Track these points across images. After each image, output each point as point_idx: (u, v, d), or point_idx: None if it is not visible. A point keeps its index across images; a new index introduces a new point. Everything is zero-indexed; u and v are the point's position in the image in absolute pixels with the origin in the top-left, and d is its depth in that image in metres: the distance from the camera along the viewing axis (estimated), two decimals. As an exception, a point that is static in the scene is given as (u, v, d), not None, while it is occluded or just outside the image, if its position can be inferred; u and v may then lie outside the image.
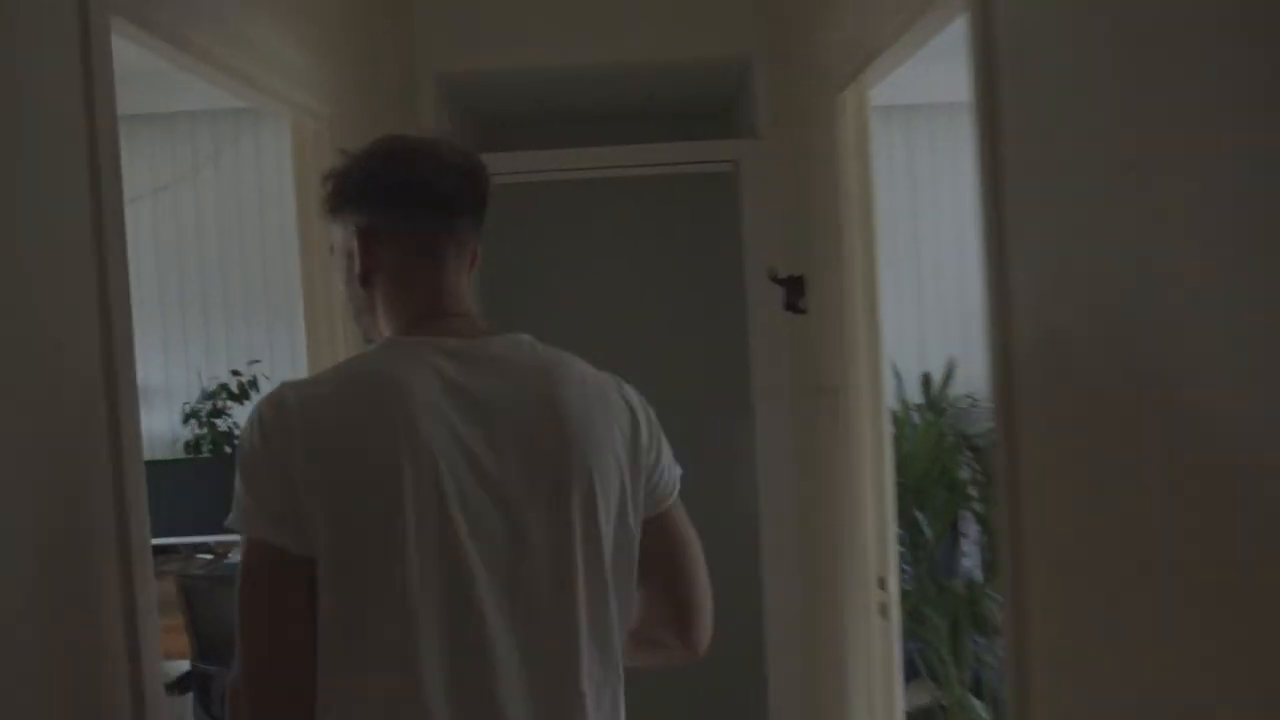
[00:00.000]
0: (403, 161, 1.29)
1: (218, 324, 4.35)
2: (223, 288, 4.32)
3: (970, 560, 3.66)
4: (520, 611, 1.18)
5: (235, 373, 4.13)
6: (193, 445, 4.07)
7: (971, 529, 3.63)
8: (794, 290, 2.74)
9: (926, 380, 3.84)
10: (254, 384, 4.09)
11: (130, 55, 1.43)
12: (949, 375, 3.82)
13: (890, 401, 2.41)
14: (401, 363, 1.20)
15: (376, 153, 1.30)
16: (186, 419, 4.09)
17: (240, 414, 4.14)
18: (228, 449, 4.02)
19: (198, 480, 3.89)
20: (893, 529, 2.20)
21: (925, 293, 4.28)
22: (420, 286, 1.28)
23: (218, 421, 4.09)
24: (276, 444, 1.14)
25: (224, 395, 4.08)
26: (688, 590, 1.36)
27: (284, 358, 4.15)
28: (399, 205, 1.27)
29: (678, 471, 1.37)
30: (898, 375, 3.58)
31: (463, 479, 1.16)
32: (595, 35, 3.01)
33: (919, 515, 3.29)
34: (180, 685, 3.23)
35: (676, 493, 1.36)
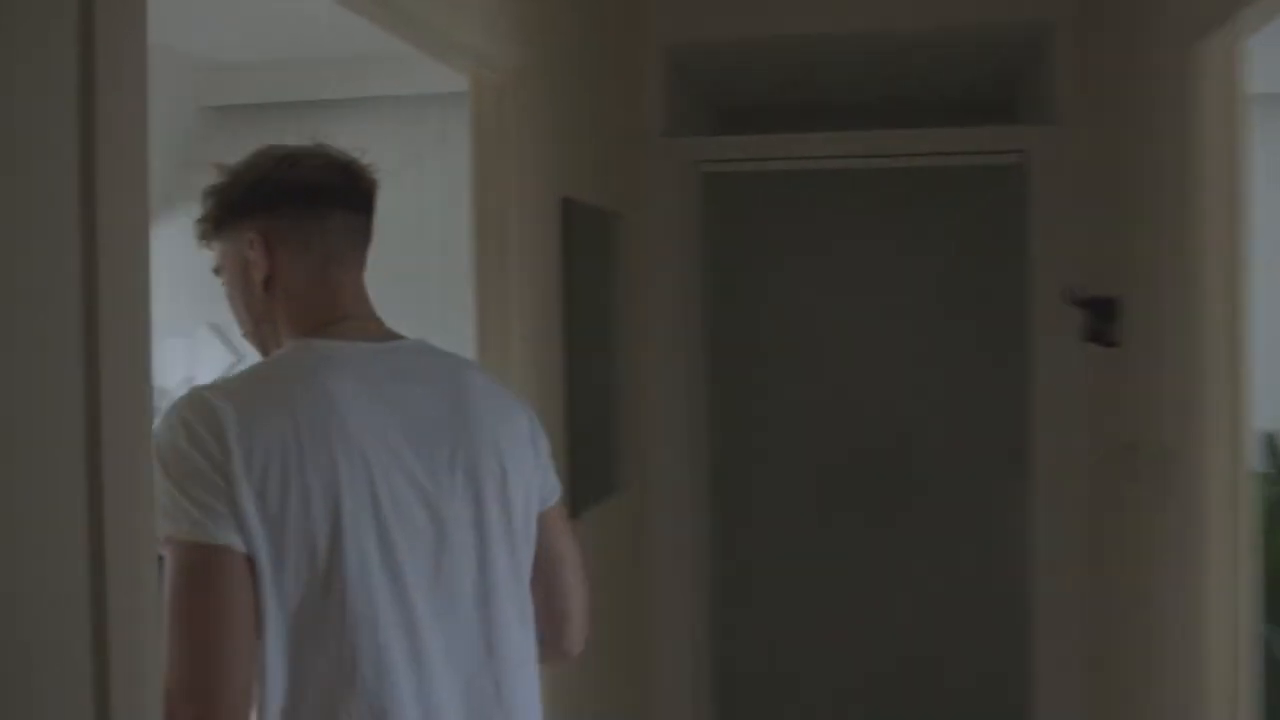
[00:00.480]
0: (291, 163, 1.27)
1: (432, 316, 4.15)
2: (441, 277, 4.12)
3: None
4: (444, 602, 1.22)
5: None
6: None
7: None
8: (1101, 315, 2.11)
9: (1270, 442, 2.99)
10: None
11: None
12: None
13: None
14: (323, 364, 1.20)
15: (260, 161, 1.29)
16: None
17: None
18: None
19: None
20: (1253, 650, 1.56)
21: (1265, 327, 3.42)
22: (325, 288, 1.27)
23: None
24: (207, 444, 1.09)
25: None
26: (567, 588, 1.40)
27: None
28: (295, 203, 1.26)
29: (557, 482, 1.42)
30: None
31: (392, 478, 1.18)
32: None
33: (1268, 629, 2.49)
34: None
35: (560, 494, 1.42)
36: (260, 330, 1.29)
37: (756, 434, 3.37)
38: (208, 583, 1.07)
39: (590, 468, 2.51)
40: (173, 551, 1.06)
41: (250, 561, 1.08)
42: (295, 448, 1.11)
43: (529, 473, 1.33)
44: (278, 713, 1.10)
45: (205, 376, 4.52)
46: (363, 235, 1.32)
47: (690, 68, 2.89)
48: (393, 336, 1.30)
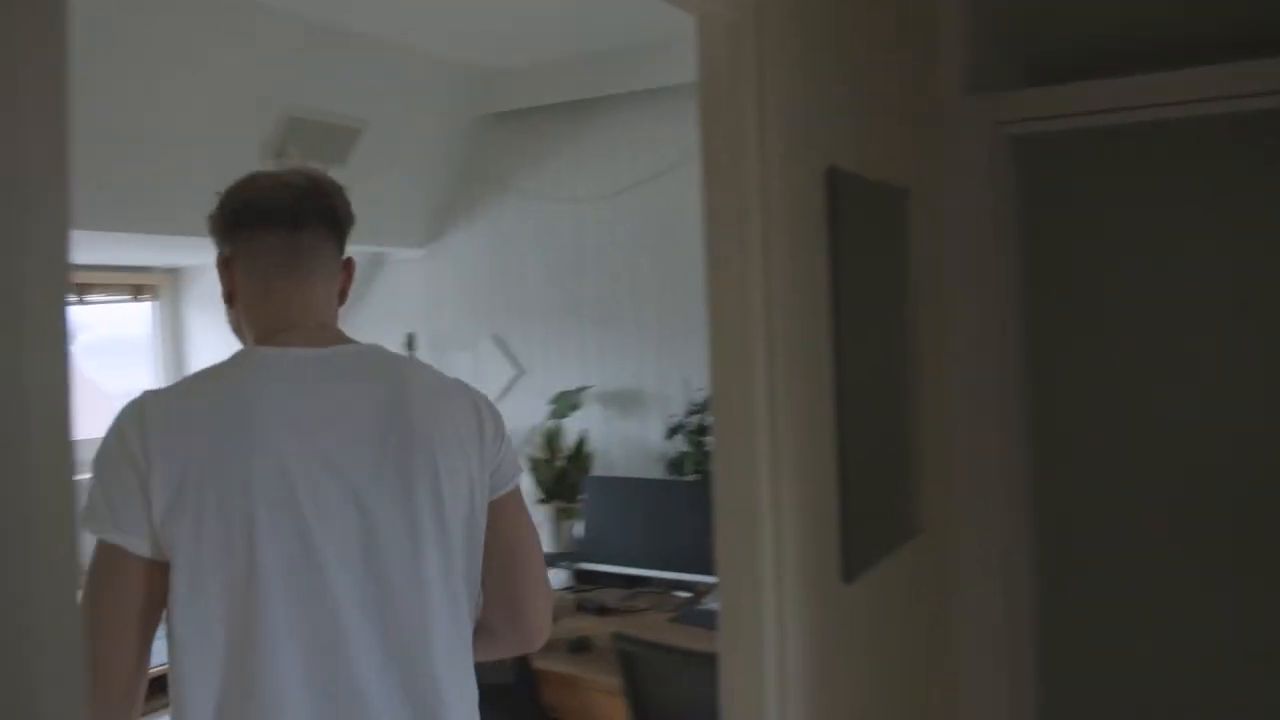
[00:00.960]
0: (243, 187, 1.43)
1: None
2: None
3: None
4: (373, 596, 1.30)
5: (727, 384, 3.56)
6: (676, 464, 3.57)
7: None
8: None
9: None
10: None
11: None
12: None
13: None
14: (251, 371, 1.35)
15: (230, 188, 1.44)
16: (671, 433, 3.60)
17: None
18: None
19: (683, 506, 3.38)
20: None
21: None
22: (273, 301, 1.41)
23: (706, 440, 3.54)
24: (133, 447, 1.23)
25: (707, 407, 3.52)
26: (520, 575, 1.46)
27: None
28: (243, 225, 1.41)
29: (520, 471, 1.51)
30: None
31: (314, 475, 1.28)
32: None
33: None
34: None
35: (515, 485, 1.49)
36: (239, 335, 1.47)
37: (1090, 457, 2.74)
38: (106, 578, 1.23)
39: (873, 514, 2.05)
40: (95, 545, 1.23)
41: (154, 560, 1.22)
42: (213, 457, 1.24)
43: (469, 467, 1.39)
44: (186, 696, 1.23)
45: (489, 390, 4.50)
46: (312, 250, 1.43)
47: (995, 8, 2.35)
48: (339, 342, 1.42)
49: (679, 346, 3.82)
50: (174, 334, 5.06)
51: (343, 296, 1.54)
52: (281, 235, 1.40)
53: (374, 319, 4.65)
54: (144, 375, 4.98)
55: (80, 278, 4.54)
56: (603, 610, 3.24)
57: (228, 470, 1.24)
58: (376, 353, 1.44)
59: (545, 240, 4.10)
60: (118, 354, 5.15)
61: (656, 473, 3.85)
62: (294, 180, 1.44)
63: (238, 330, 1.47)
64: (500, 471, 1.46)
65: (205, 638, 1.23)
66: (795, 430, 1.63)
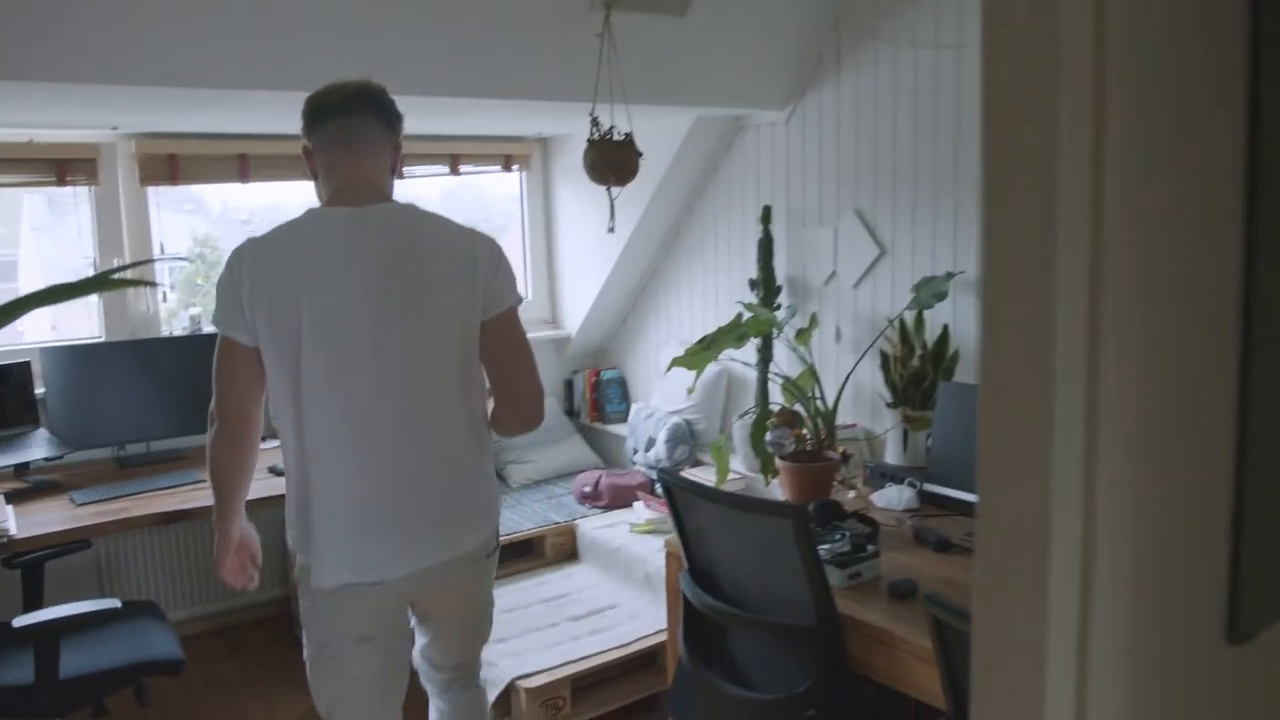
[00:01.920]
0: (314, 94, 2.03)
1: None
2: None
3: None
4: (389, 387, 1.95)
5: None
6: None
7: None
8: None
9: None
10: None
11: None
12: None
13: None
14: (309, 223, 1.98)
15: (308, 95, 2.04)
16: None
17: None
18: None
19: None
20: None
21: None
22: (334, 172, 2.02)
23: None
24: (236, 276, 1.92)
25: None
26: (511, 369, 2.07)
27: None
28: (313, 120, 2.02)
29: (517, 297, 2.08)
30: None
31: (346, 297, 1.92)
32: None
33: None
34: None
35: (508, 308, 2.05)
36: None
37: None
38: (226, 357, 1.96)
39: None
40: (219, 337, 1.96)
41: (252, 349, 1.94)
42: (278, 284, 1.91)
43: (461, 294, 2.00)
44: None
45: (848, 273, 3.97)
46: (360, 131, 2.01)
47: None
48: (379, 201, 2.03)
49: (1074, 227, 3.03)
50: (544, 201, 5.05)
51: (394, 171, 2.11)
52: (338, 122, 2.01)
53: (730, 189, 4.26)
54: (515, 239, 5.04)
55: (455, 148, 4.61)
56: (941, 545, 2.69)
57: (286, 293, 1.91)
58: (402, 209, 2.05)
59: (920, 97, 3.42)
60: (493, 220, 5.27)
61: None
62: (347, 84, 2.02)
63: (320, 199, 2.09)
64: (491, 297, 2.03)
65: (280, 393, 1.96)
66: (1141, 395, 0.97)
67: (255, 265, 1.92)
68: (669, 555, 2.88)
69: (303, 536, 2.05)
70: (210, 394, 2.03)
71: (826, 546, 2.48)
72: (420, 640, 2.35)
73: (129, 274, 3.54)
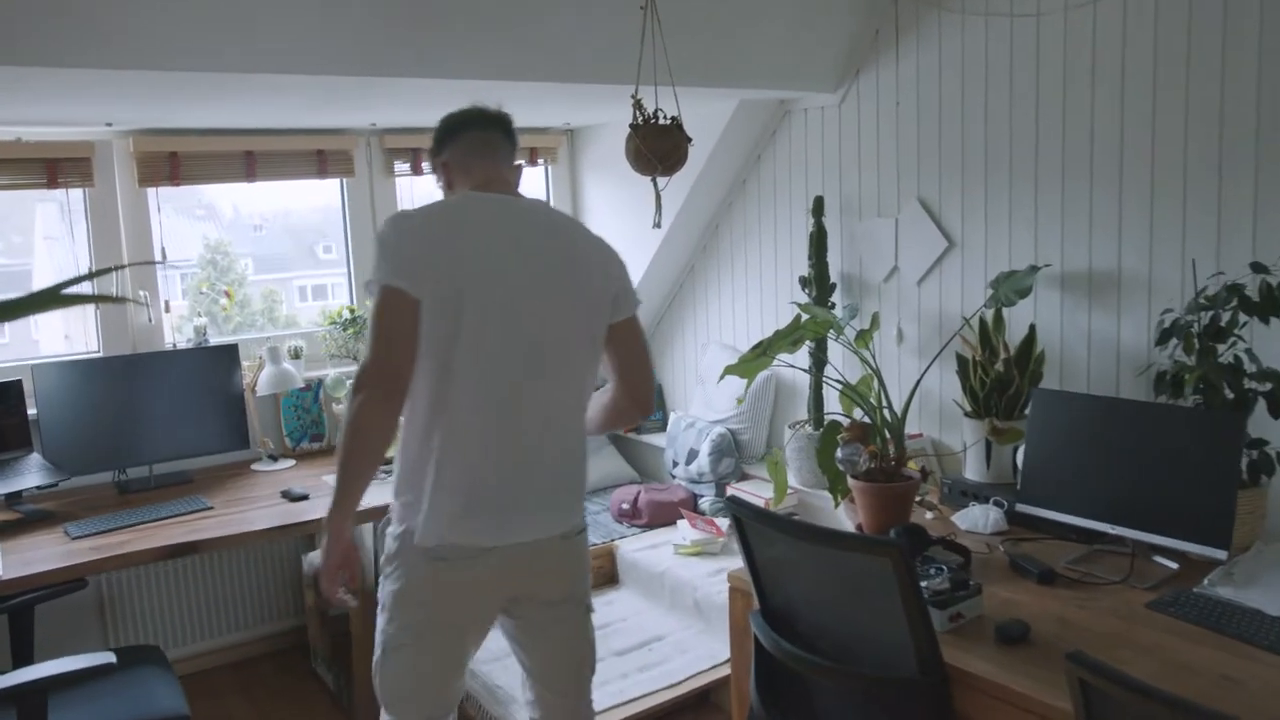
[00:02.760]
0: (452, 114, 2.20)
1: (1230, 202, 2.62)
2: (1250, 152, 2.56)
3: None
4: (537, 363, 2.02)
5: (1259, 267, 2.42)
6: (1169, 380, 2.51)
7: None
8: None
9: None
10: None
11: None
12: None
13: None
14: (464, 199, 2.10)
15: (444, 117, 2.21)
16: (1164, 336, 2.53)
17: (1261, 331, 2.48)
18: (1247, 389, 2.42)
19: (1176, 443, 2.36)
20: None
21: None
22: (472, 173, 2.14)
23: (1219, 349, 2.45)
24: (399, 236, 1.97)
25: (1230, 301, 2.41)
26: (635, 365, 2.20)
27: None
28: (454, 130, 2.17)
29: (637, 301, 2.19)
30: None
31: (508, 271, 1.99)
32: None
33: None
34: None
35: (631, 314, 2.17)
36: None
37: None
38: (390, 305, 1.92)
39: None
40: (377, 290, 1.93)
41: (416, 301, 1.92)
42: (439, 246, 1.98)
43: (598, 293, 2.10)
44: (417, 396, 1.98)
45: (912, 269, 3.64)
46: (495, 144, 2.18)
47: None
48: (516, 196, 2.15)
49: (1180, 214, 2.69)
50: (571, 196, 4.73)
51: (516, 188, 2.21)
52: (476, 131, 2.17)
53: (776, 180, 3.93)
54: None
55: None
56: (1045, 577, 2.36)
57: (448, 257, 1.97)
58: (540, 204, 2.19)
59: (992, 73, 3.09)
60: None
61: (1136, 391, 2.80)
62: (483, 106, 2.21)
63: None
64: (620, 303, 2.15)
65: (429, 354, 1.95)
66: None
67: (414, 230, 1.99)
68: (734, 590, 2.56)
69: (414, 501, 2.00)
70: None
71: (923, 584, 2.16)
72: (527, 662, 2.27)
73: (98, 284, 3.23)
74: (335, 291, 4.32)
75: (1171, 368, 2.50)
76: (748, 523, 2.17)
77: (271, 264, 4.40)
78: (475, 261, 1.97)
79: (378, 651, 2.10)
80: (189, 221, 4.20)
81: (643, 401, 2.24)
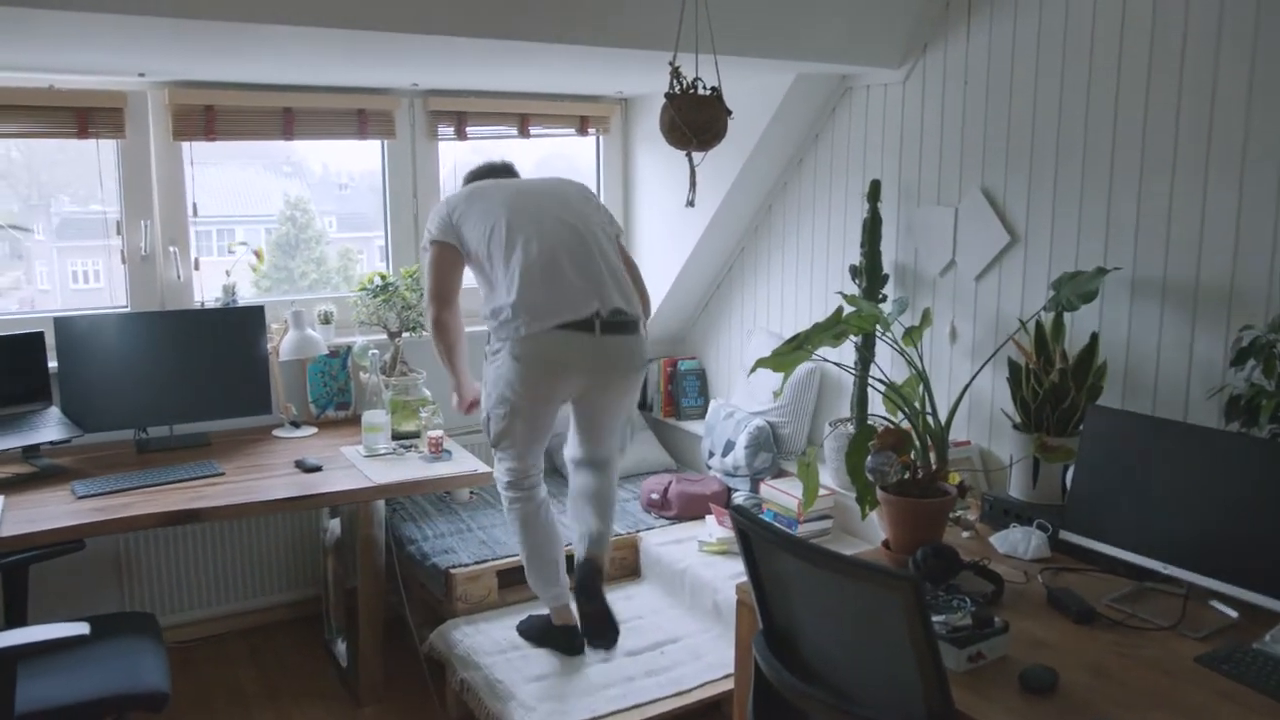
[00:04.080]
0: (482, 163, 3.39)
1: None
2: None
3: None
4: (574, 258, 2.95)
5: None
6: (1244, 405, 2.24)
7: None
8: None
9: None
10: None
11: None
12: None
13: None
14: (497, 178, 3.28)
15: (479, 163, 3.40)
16: (1240, 356, 2.26)
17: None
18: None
19: (1246, 476, 2.11)
20: None
21: None
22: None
23: (1301, 371, 2.17)
24: (449, 207, 3.06)
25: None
26: (631, 273, 3.16)
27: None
28: (485, 175, 3.32)
29: (618, 231, 3.22)
30: None
31: (533, 210, 3.02)
32: None
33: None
34: None
35: (619, 232, 3.22)
36: None
37: None
38: (441, 256, 3.06)
39: None
40: (430, 245, 3.07)
41: (459, 251, 3.05)
42: (479, 199, 3.06)
43: (595, 213, 3.14)
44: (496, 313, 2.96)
45: (970, 265, 3.38)
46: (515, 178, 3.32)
47: None
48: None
49: (1273, 220, 2.40)
50: (622, 169, 4.54)
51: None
52: (503, 176, 3.35)
53: (834, 160, 3.69)
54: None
55: (525, 106, 4.13)
56: (1084, 616, 2.13)
57: (488, 206, 3.04)
58: (555, 178, 3.29)
59: (1070, 55, 2.81)
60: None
61: (1208, 415, 2.53)
62: (491, 160, 3.41)
63: None
64: (611, 227, 3.18)
65: (491, 255, 2.99)
66: None
67: (460, 201, 3.09)
68: (741, 605, 2.38)
69: (513, 317, 2.89)
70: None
71: (941, 618, 1.95)
72: (573, 439, 3.22)
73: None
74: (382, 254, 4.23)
75: (1247, 391, 2.23)
76: (753, 537, 1.98)
77: (354, 223, 4.34)
78: (509, 208, 3.01)
79: (491, 427, 3.10)
80: (276, 178, 4.16)
81: (641, 288, 3.19)
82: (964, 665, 1.92)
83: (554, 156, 4.69)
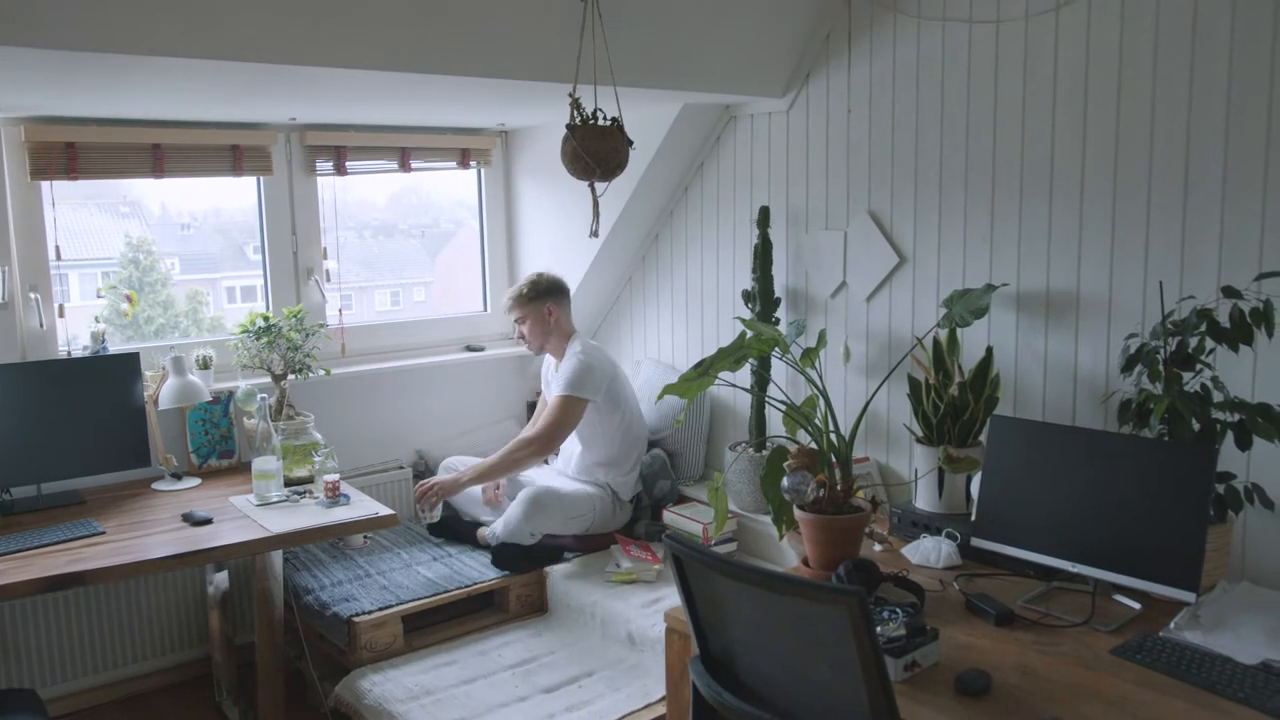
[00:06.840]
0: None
1: (1196, 217, 2.50)
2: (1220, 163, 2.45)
3: None
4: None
5: (1231, 291, 2.29)
6: (1133, 409, 2.38)
7: None
8: None
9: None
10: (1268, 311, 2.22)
11: None
12: None
13: None
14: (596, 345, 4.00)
15: (541, 277, 3.86)
16: (1129, 363, 2.41)
17: (1226, 359, 2.36)
18: (1214, 419, 2.29)
19: (1138, 476, 2.23)
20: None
21: None
22: (566, 322, 3.91)
23: (1186, 377, 2.33)
24: (604, 370, 3.78)
25: (1199, 326, 2.29)
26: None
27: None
28: (565, 291, 3.91)
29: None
30: None
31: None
32: None
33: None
34: None
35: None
36: (546, 344, 3.86)
37: None
38: (578, 410, 3.64)
39: None
40: (576, 399, 3.65)
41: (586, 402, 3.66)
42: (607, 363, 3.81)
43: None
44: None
45: (861, 285, 3.49)
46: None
47: None
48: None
49: (1145, 232, 2.57)
50: (505, 202, 4.51)
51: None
52: (569, 299, 3.96)
53: (720, 188, 3.76)
54: (467, 245, 4.50)
55: (405, 140, 4.06)
56: (1003, 619, 2.21)
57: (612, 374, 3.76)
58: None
59: (948, 80, 2.96)
60: (442, 225, 4.72)
61: (1097, 420, 2.67)
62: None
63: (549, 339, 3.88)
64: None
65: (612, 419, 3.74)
66: None
67: (594, 359, 3.73)
68: (671, 632, 2.37)
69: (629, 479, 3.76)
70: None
71: (877, 629, 1.98)
72: None
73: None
74: (263, 294, 4.05)
75: (1137, 396, 2.37)
76: (687, 562, 1.98)
77: (199, 264, 4.13)
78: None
79: None
80: (112, 219, 3.92)
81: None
82: (901, 675, 1.96)
83: (408, 191, 4.63)
